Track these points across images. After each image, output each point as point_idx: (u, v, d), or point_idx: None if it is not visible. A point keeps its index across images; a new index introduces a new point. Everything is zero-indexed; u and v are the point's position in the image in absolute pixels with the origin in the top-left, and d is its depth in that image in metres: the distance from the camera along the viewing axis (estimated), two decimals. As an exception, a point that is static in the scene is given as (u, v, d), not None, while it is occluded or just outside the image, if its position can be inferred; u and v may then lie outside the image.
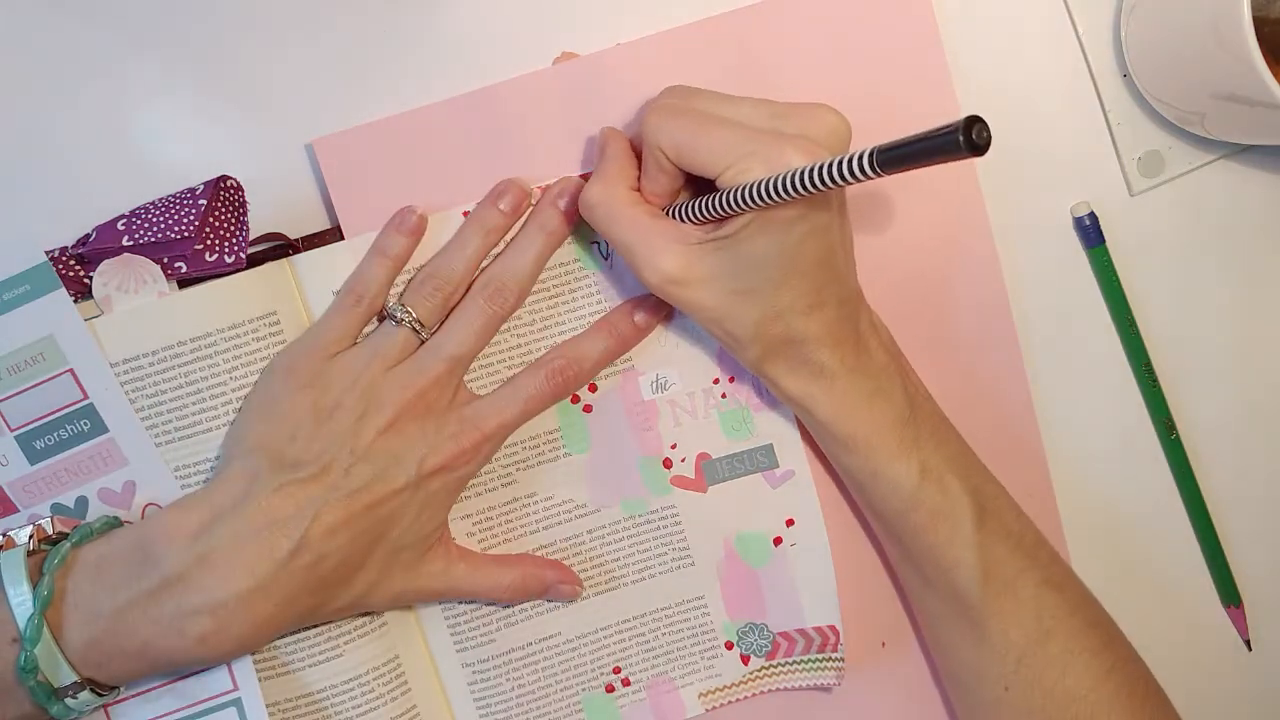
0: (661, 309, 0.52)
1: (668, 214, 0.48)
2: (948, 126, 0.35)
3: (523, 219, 0.51)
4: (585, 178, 0.51)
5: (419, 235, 0.50)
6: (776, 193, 0.41)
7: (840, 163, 0.38)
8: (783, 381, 0.49)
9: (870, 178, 0.38)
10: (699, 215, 0.46)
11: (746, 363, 0.49)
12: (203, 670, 0.50)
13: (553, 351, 0.51)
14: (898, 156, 0.37)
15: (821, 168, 0.39)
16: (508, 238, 0.51)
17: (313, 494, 0.47)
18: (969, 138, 0.35)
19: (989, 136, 0.35)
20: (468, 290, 0.50)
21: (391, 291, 0.50)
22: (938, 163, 0.36)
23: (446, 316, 0.50)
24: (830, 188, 0.40)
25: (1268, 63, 0.46)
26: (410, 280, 0.50)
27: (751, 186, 0.42)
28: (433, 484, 0.48)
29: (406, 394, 0.48)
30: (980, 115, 0.35)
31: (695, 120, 0.45)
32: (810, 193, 0.40)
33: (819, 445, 0.52)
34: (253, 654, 0.50)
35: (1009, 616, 0.49)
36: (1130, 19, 0.52)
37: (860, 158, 0.38)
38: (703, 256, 0.46)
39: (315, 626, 0.51)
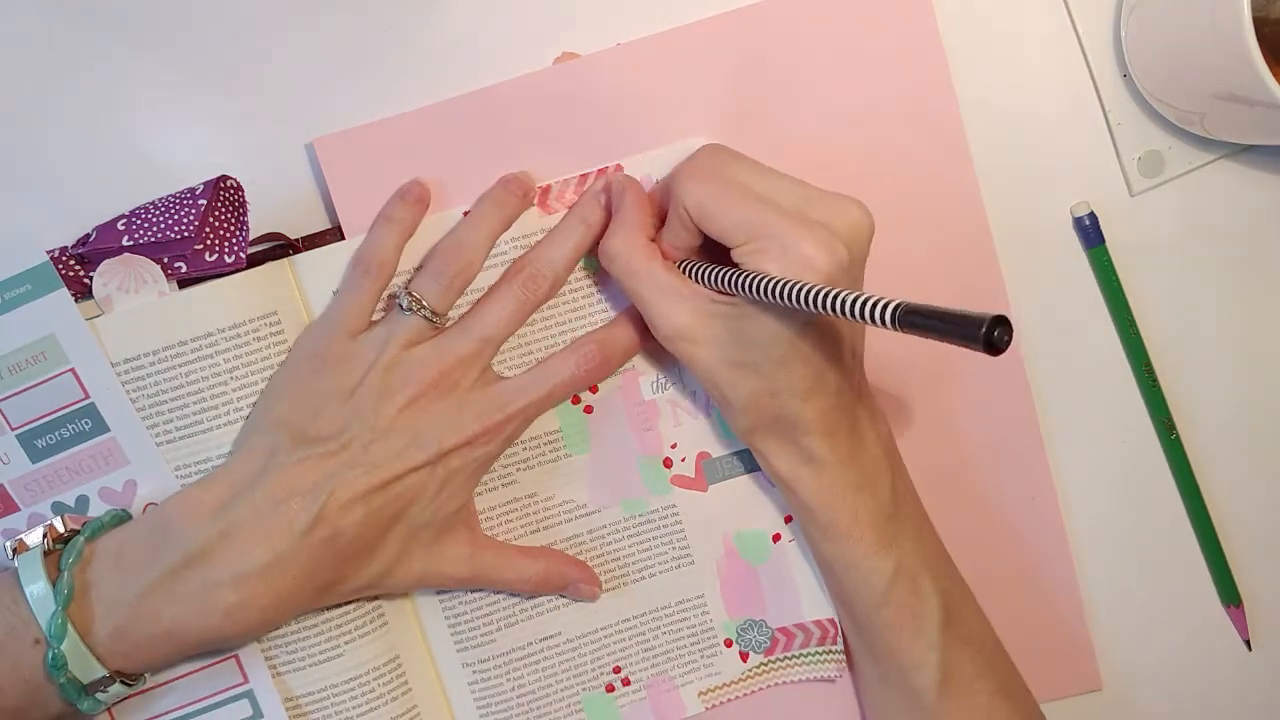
0: None
1: (679, 266, 0.48)
2: (974, 317, 0.35)
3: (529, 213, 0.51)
4: (619, 169, 0.51)
5: (424, 204, 0.50)
6: (789, 298, 0.41)
7: (861, 301, 0.39)
8: (771, 458, 0.49)
9: (883, 327, 0.38)
10: (709, 283, 0.46)
11: (736, 431, 0.50)
12: (227, 652, 0.50)
13: (583, 338, 0.51)
14: (917, 323, 0.37)
15: (842, 297, 0.39)
16: (514, 230, 0.51)
17: (331, 468, 0.47)
18: (989, 335, 0.35)
19: (1008, 341, 0.35)
20: (503, 277, 0.50)
21: (402, 278, 0.50)
22: (951, 343, 0.36)
23: (458, 297, 0.50)
24: (841, 317, 0.40)
25: (1268, 63, 0.46)
26: (420, 264, 0.50)
27: (769, 283, 0.42)
28: (452, 462, 0.48)
29: (429, 372, 0.48)
30: (1006, 317, 0.35)
31: (725, 190, 0.45)
32: (822, 313, 0.40)
33: (801, 529, 0.52)
34: (274, 630, 0.50)
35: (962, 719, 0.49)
36: (1130, 19, 0.52)
37: (883, 308, 0.38)
38: (712, 319, 0.46)
39: (325, 611, 0.51)
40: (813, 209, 0.44)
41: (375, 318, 0.50)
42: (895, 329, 0.38)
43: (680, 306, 0.47)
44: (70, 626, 0.44)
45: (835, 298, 0.40)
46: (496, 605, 0.53)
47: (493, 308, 0.49)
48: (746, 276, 0.44)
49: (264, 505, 0.46)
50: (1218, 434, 0.57)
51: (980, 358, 0.54)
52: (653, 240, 0.49)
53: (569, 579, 0.52)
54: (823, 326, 0.45)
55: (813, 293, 0.40)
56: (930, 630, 0.49)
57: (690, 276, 0.48)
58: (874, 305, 0.38)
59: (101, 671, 0.45)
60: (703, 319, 0.46)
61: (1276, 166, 0.56)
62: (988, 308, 0.53)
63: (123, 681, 0.46)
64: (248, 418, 0.50)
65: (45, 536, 0.47)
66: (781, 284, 0.42)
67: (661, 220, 0.49)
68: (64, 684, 0.44)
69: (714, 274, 0.46)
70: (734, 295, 0.45)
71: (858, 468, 0.48)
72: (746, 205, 0.45)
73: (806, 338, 0.45)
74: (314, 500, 0.46)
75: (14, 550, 0.47)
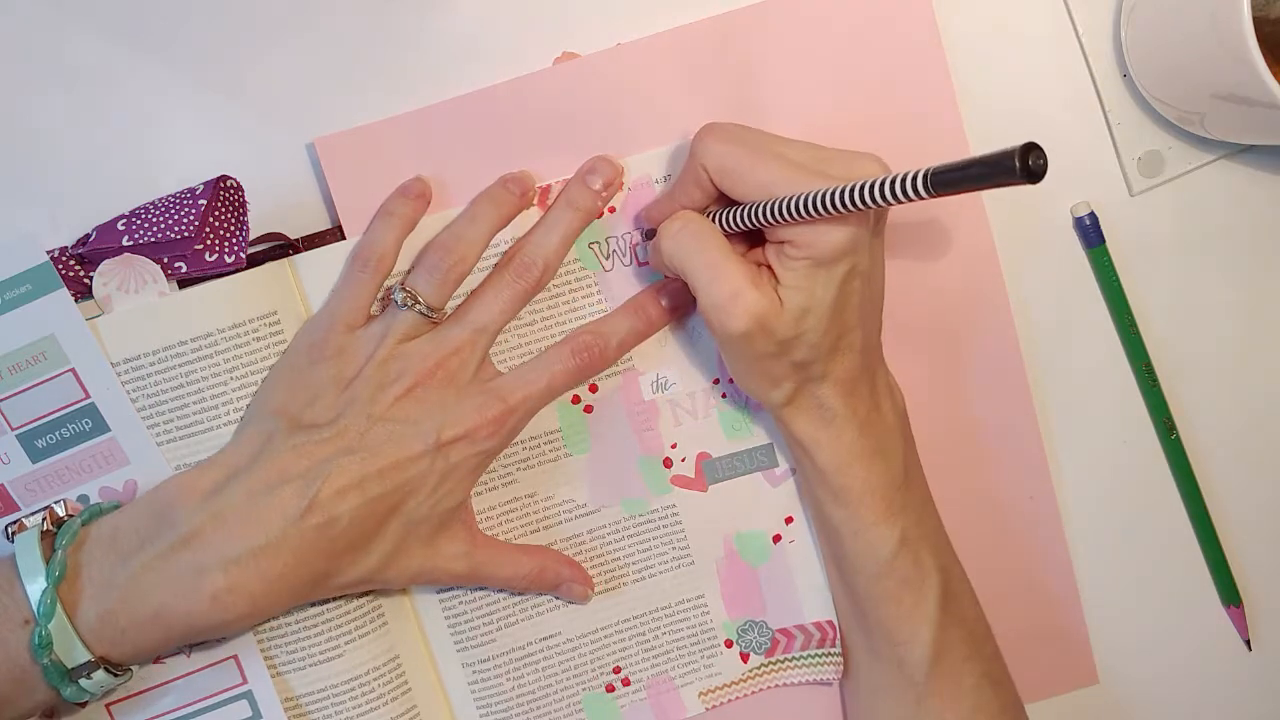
0: (687, 295, 0.52)
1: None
2: (1004, 152, 0.35)
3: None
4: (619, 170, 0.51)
5: (425, 200, 0.50)
6: (827, 205, 0.41)
7: (894, 180, 0.39)
8: (793, 421, 0.49)
9: (921, 198, 0.38)
10: (737, 223, 0.46)
11: (772, 402, 0.49)
12: (218, 642, 0.50)
13: (580, 329, 0.51)
14: (951, 179, 0.37)
15: (875, 184, 0.39)
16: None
17: (326, 454, 0.47)
18: (1024, 164, 0.35)
19: (1045, 164, 0.35)
20: (495, 268, 0.50)
21: (399, 272, 0.50)
22: (991, 187, 0.36)
23: (454, 291, 0.50)
24: (881, 205, 0.40)
25: (1268, 63, 0.46)
26: (417, 258, 0.50)
27: (803, 197, 0.42)
28: (452, 454, 0.48)
29: (427, 362, 0.48)
30: (1036, 142, 0.35)
31: (747, 148, 0.46)
32: (861, 208, 0.41)
33: (807, 494, 0.52)
34: (265, 620, 0.50)
35: (948, 700, 0.50)
36: (1130, 19, 0.52)
37: (914, 177, 0.38)
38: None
39: (325, 611, 0.51)
40: (831, 167, 0.45)
41: (374, 312, 0.50)
42: (930, 194, 0.38)
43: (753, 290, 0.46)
44: (59, 606, 0.44)
45: (866, 188, 0.40)
46: (496, 605, 0.53)
47: (485, 298, 0.50)
48: (779, 201, 0.43)
49: (257, 489, 0.46)
50: (1218, 434, 0.57)
51: (979, 353, 0.54)
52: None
53: (562, 578, 0.52)
54: (852, 282, 0.46)
55: (845, 191, 0.40)
56: (928, 605, 0.49)
57: (717, 223, 0.47)
58: (904, 180, 0.38)
59: (86, 656, 0.45)
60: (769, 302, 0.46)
61: (1276, 166, 0.56)
62: (989, 309, 0.54)
63: (108, 669, 0.45)
64: (246, 408, 0.50)
65: (45, 519, 0.48)
66: (814, 195, 0.42)
67: None
68: (47, 666, 0.44)
69: (743, 213, 0.46)
70: (762, 225, 0.45)
71: (873, 433, 0.49)
72: (768, 164, 0.45)
73: (840, 295, 0.45)
74: (308, 486, 0.46)
75: (13, 533, 0.48)
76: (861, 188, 0.40)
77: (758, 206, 0.45)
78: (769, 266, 0.46)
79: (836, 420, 0.48)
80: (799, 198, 0.43)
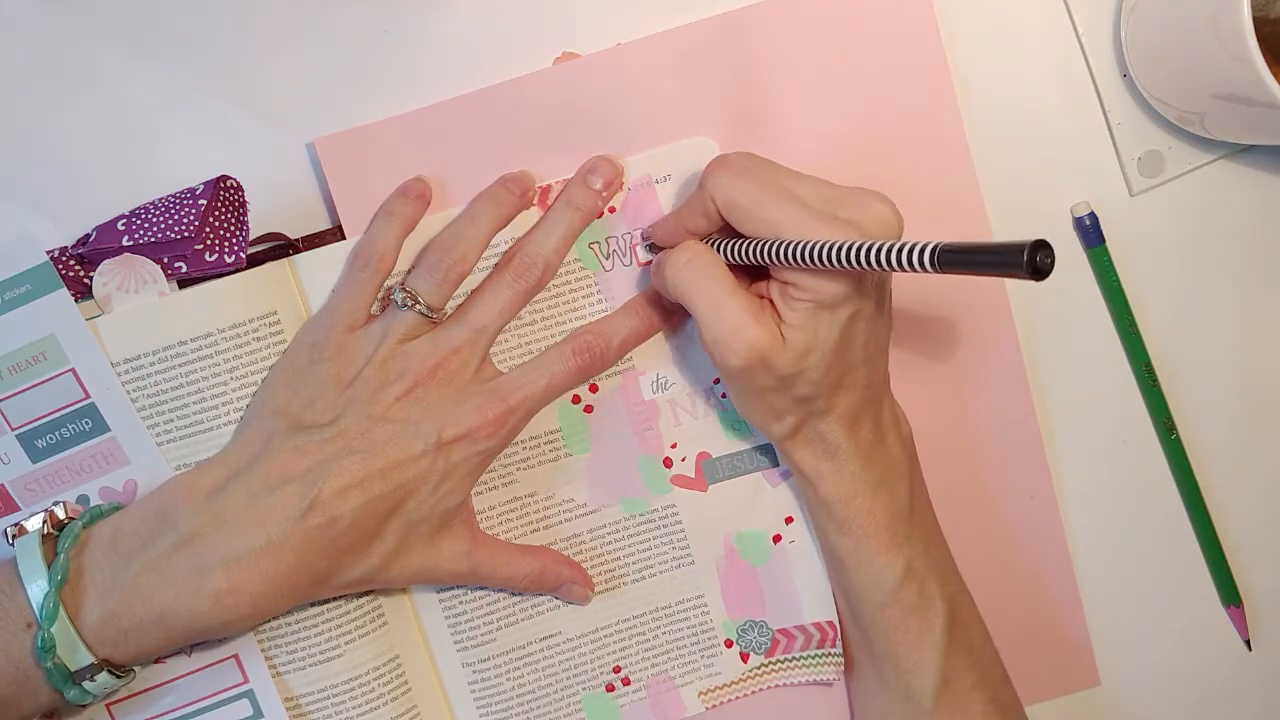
0: None
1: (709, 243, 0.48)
2: (1014, 245, 0.35)
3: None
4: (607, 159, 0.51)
5: (425, 200, 0.50)
6: (831, 259, 0.41)
7: (900, 248, 0.39)
8: (796, 453, 0.49)
9: (925, 272, 0.38)
10: (743, 257, 0.46)
11: (775, 434, 0.49)
12: (220, 643, 0.50)
13: (581, 329, 0.51)
14: (958, 260, 0.37)
15: (882, 248, 0.39)
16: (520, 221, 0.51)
17: (327, 454, 0.47)
18: (1032, 260, 0.35)
19: (1052, 263, 0.35)
20: (495, 268, 0.50)
21: (399, 270, 0.50)
22: (995, 275, 0.36)
23: (453, 291, 0.50)
24: (884, 270, 0.40)
25: (1268, 63, 0.46)
26: (417, 259, 0.50)
27: (808, 246, 0.42)
28: (453, 454, 0.48)
29: (427, 362, 0.48)
30: (1046, 240, 0.35)
31: (758, 185, 0.45)
32: (864, 269, 0.41)
33: (813, 522, 0.52)
34: (266, 620, 0.50)
35: None
36: (1130, 19, 0.52)
37: (921, 250, 0.38)
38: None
39: (325, 611, 0.51)
40: (841, 208, 0.45)
41: (374, 312, 0.50)
42: (935, 270, 0.38)
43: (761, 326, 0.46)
44: (61, 609, 0.44)
45: (873, 250, 0.40)
46: (496, 604, 0.53)
47: (486, 298, 0.50)
48: (785, 245, 0.43)
49: (258, 489, 0.46)
50: (1218, 434, 0.57)
51: (979, 354, 0.54)
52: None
53: (563, 579, 0.52)
54: (856, 323, 0.46)
55: (851, 249, 0.40)
56: (934, 634, 0.49)
57: (720, 252, 0.47)
58: (910, 251, 0.38)
59: (89, 659, 0.45)
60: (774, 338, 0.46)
61: (1276, 166, 0.56)
62: (989, 309, 0.54)
63: (111, 672, 0.46)
64: (246, 408, 0.50)
65: (45, 522, 0.48)
66: (819, 246, 0.42)
67: None
68: (50, 669, 0.44)
69: (748, 247, 0.46)
70: (765, 264, 0.45)
71: (878, 465, 0.49)
72: (779, 204, 0.45)
73: (844, 335, 0.45)
74: (309, 486, 0.46)
75: (14, 536, 0.47)
76: (868, 249, 0.40)
77: (762, 245, 0.45)
78: (772, 300, 0.46)
79: (840, 453, 0.48)
80: (804, 246, 0.42)
